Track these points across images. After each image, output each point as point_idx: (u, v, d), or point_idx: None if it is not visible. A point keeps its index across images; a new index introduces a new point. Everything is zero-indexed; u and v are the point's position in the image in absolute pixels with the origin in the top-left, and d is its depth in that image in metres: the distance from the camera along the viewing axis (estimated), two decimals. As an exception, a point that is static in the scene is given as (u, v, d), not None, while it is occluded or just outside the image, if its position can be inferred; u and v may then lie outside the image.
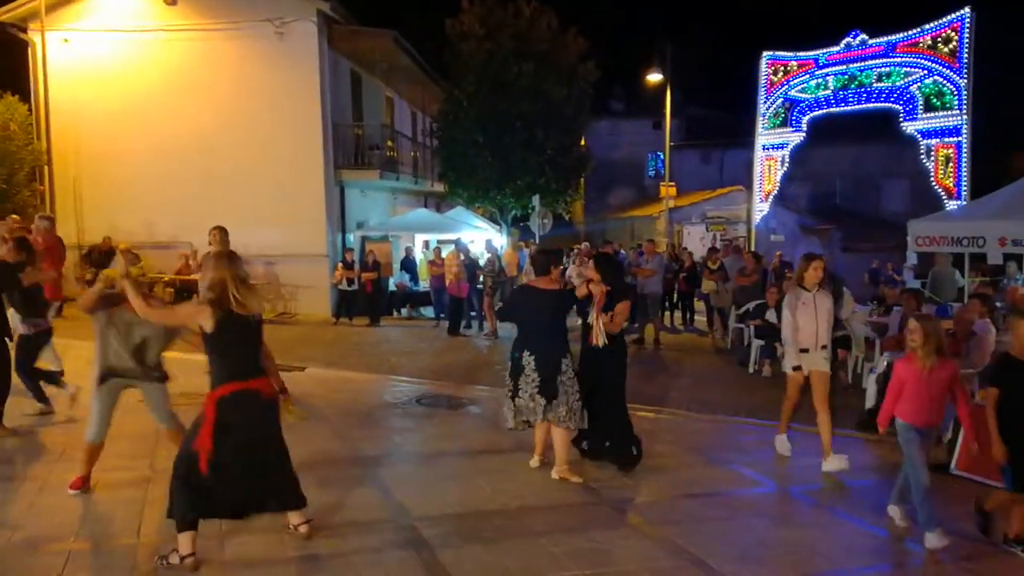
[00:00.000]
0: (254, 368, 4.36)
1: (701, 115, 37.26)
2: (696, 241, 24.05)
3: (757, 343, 10.60)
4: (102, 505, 5.23)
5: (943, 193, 19.27)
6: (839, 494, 5.89)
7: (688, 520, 5.23)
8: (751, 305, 12.72)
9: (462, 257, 15.03)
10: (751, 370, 10.66)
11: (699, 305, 15.93)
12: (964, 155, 18.82)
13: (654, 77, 24.22)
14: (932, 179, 19.54)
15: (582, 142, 20.20)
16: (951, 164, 19.10)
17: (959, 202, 18.59)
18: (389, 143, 19.85)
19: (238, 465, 4.23)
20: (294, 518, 4.65)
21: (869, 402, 7.59)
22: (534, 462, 6.14)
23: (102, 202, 16.40)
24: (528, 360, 5.83)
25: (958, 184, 18.94)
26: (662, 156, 38.62)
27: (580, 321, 6.19)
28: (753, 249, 19.61)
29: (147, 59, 16.54)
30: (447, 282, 14.91)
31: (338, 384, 9.13)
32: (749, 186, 25.27)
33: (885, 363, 7.62)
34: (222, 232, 7.78)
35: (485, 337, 14.28)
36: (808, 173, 30.76)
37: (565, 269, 14.21)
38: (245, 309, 4.24)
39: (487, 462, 6.39)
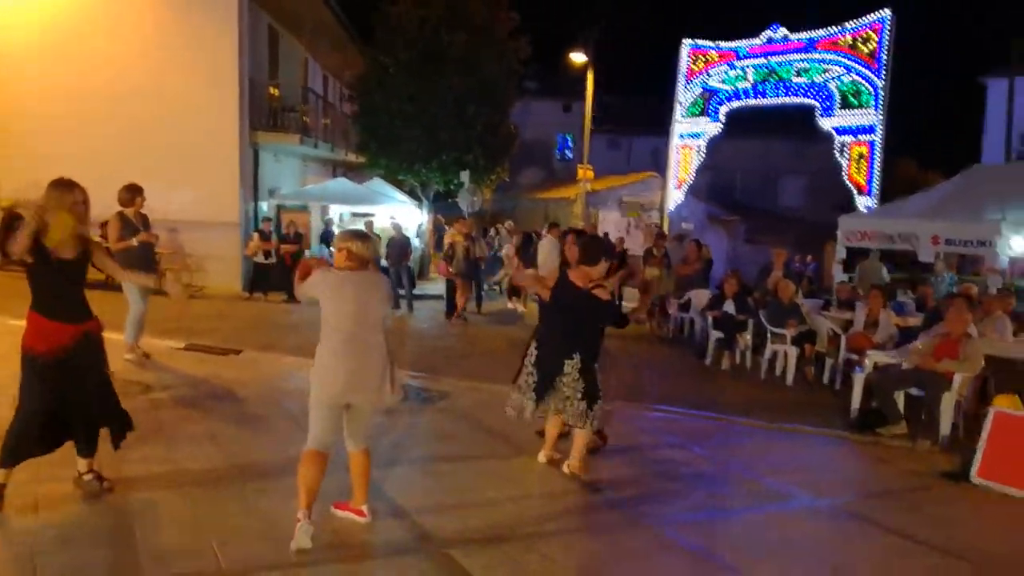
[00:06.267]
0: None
1: (610, 101, 37.37)
2: (612, 226, 23.93)
3: (716, 335, 10.38)
4: None
5: (854, 189, 19.90)
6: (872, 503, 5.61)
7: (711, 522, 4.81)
8: (691, 294, 12.59)
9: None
10: (707, 362, 10.43)
11: (630, 292, 15.72)
12: (877, 153, 19.48)
13: (578, 58, 23.79)
14: (845, 175, 20.12)
15: (512, 126, 19.64)
16: (864, 161, 19.71)
17: (870, 198, 19.26)
18: (304, 107, 18.56)
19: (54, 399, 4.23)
20: (82, 466, 4.55)
21: (856, 402, 7.41)
22: (541, 457, 5.68)
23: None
24: (531, 352, 5.52)
25: (870, 181, 19.56)
26: (570, 139, 38.70)
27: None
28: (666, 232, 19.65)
29: (46, 3, 14.64)
30: (441, 264, 13.89)
31: (284, 371, 8.18)
32: (660, 173, 25.47)
33: (871, 364, 7.46)
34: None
35: (458, 320, 13.51)
36: (710, 164, 31.45)
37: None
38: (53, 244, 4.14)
39: (483, 462, 5.78)
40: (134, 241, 7.86)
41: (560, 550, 4.35)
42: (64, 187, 4.31)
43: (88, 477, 4.62)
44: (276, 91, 17.33)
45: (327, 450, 4.14)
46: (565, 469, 5.47)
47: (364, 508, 4.52)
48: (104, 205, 14.62)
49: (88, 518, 4.36)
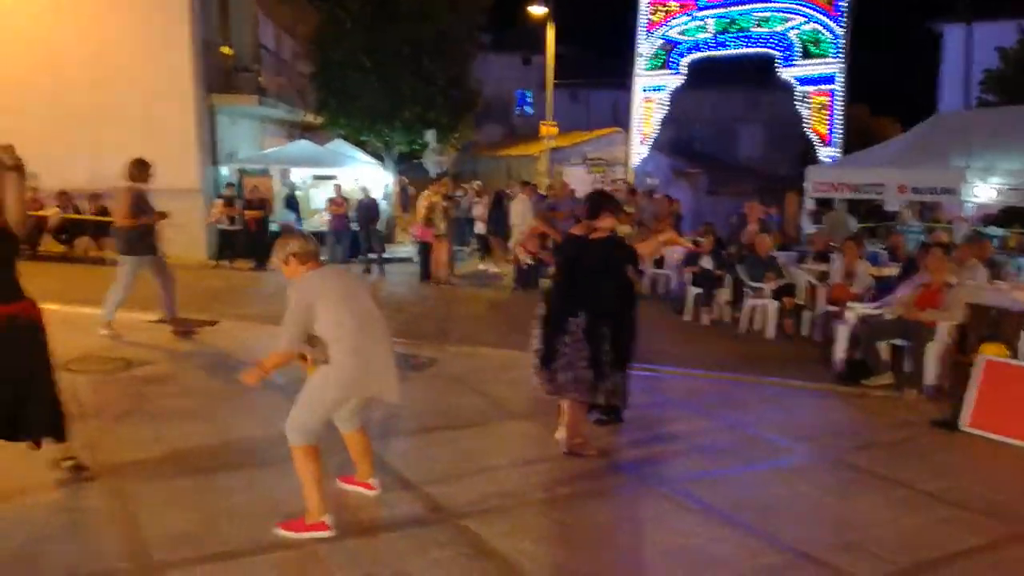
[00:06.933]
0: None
1: (568, 53, 36.86)
2: (579, 183, 23.81)
3: (694, 291, 10.42)
4: None
5: (816, 139, 20.06)
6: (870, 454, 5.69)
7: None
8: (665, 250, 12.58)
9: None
10: (686, 318, 10.49)
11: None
12: (837, 102, 19.61)
13: (537, 10, 23.37)
14: (806, 125, 20.25)
15: (475, 81, 19.23)
16: (825, 111, 19.85)
17: (832, 148, 19.45)
18: (258, 67, 17.94)
19: None
20: (57, 452, 4.40)
21: (840, 354, 7.51)
22: (559, 433, 5.37)
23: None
24: (540, 311, 5.34)
25: (831, 131, 19.74)
26: (529, 94, 38.20)
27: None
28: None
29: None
30: (417, 226, 13.44)
31: (263, 341, 7.98)
32: (622, 127, 25.35)
33: (854, 316, 7.55)
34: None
35: (444, 284, 13.16)
36: (670, 117, 31.43)
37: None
38: None
39: (481, 428, 5.75)
40: (152, 219, 7.80)
41: (573, 515, 4.34)
42: None
43: (67, 463, 4.44)
44: (229, 51, 16.68)
45: (320, 441, 4.01)
46: (556, 436, 5.31)
47: (372, 481, 4.45)
48: (61, 179, 14.08)
49: (89, 503, 4.22)
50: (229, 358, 7.27)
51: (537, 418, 5.81)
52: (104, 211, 14.00)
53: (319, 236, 15.79)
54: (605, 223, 5.20)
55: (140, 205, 7.69)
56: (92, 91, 13.96)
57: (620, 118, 30.09)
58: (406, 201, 20.23)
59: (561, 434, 5.28)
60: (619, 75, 26.85)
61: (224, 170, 16.06)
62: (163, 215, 7.97)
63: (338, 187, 15.01)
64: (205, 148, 15.12)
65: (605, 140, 28.01)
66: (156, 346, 7.61)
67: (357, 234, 14.93)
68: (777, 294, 9.57)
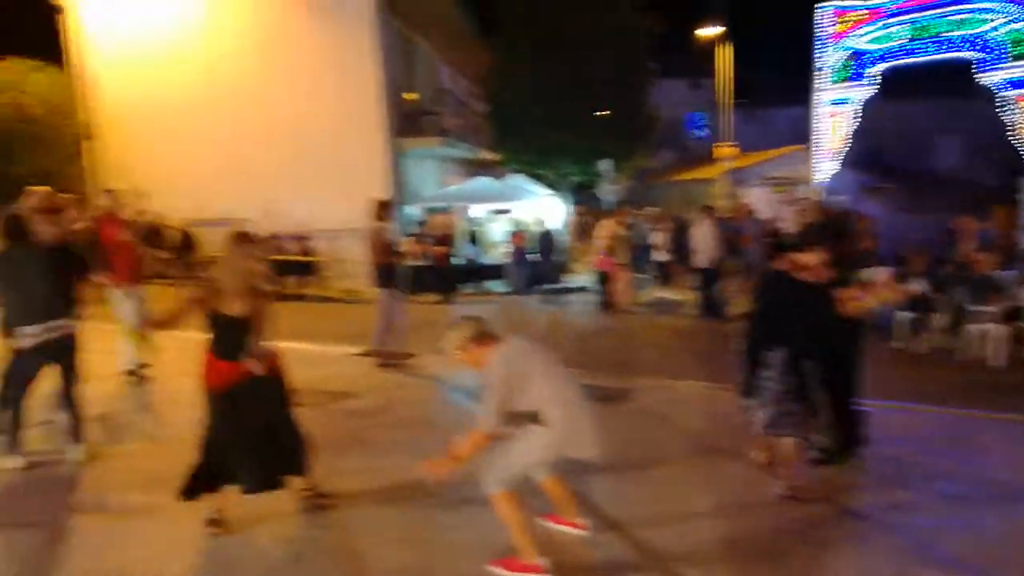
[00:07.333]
0: None
1: (740, 72, 35.86)
2: (761, 205, 22.87)
3: (906, 316, 9.57)
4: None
5: (1027, 146, 18.05)
6: None
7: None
8: (868, 273, 11.68)
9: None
10: (896, 345, 9.64)
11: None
12: (1052, 106, 17.58)
13: (710, 31, 22.89)
14: (1014, 133, 18.27)
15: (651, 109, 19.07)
16: (1036, 115, 17.85)
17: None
18: (440, 109, 18.74)
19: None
20: (299, 482, 4.61)
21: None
22: (753, 455, 5.24)
23: (151, 176, 15.38)
24: (740, 344, 5.15)
25: (1047, 137, 17.71)
26: (702, 116, 37.40)
27: None
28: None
29: (196, 21, 15.51)
30: (598, 256, 13.46)
31: (460, 375, 8.17)
32: (804, 144, 24.05)
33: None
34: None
35: (625, 313, 12.94)
36: (858, 130, 29.50)
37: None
38: None
39: (685, 466, 5.49)
40: (398, 256, 8.50)
41: (807, 571, 3.99)
42: (242, 242, 4.32)
43: (307, 493, 4.67)
44: (414, 96, 17.58)
45: (518, 487, 3.94)
46: (775, 479, 4.97)
47: (580, 521, 4.34)
48: (269, 222, 15.24)
49: (311, 533, 4.41)
50: (433, 391, 7.48)
51: (744, 457, 5.46)
52: (307, 252, 15.10)
53: (498, 268, 16.24)
54: (809, 259, 4.83)
55: (387, 243, 8.19)
56: (295, 140, 15.17)
57: (801, 135, 28.71)
58: (582, 231, 20.30)
59: (780, 475, 4.94)
60: (798, 91, 25.67)
61: (410, 209, 16.84)
62: (401, 254, 8.45)
63: (511, 221, 15.30)
64: (394, 189, 15.93)
65: (787, 159, 26.74)
66: (362, 379, 7.97)
67: (535, 265, 15.11)
68: (1005, 317, 8.57)
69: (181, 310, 4.23)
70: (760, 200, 22.99)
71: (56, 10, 15.55)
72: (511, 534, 3.87)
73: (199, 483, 4.28)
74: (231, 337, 4.25)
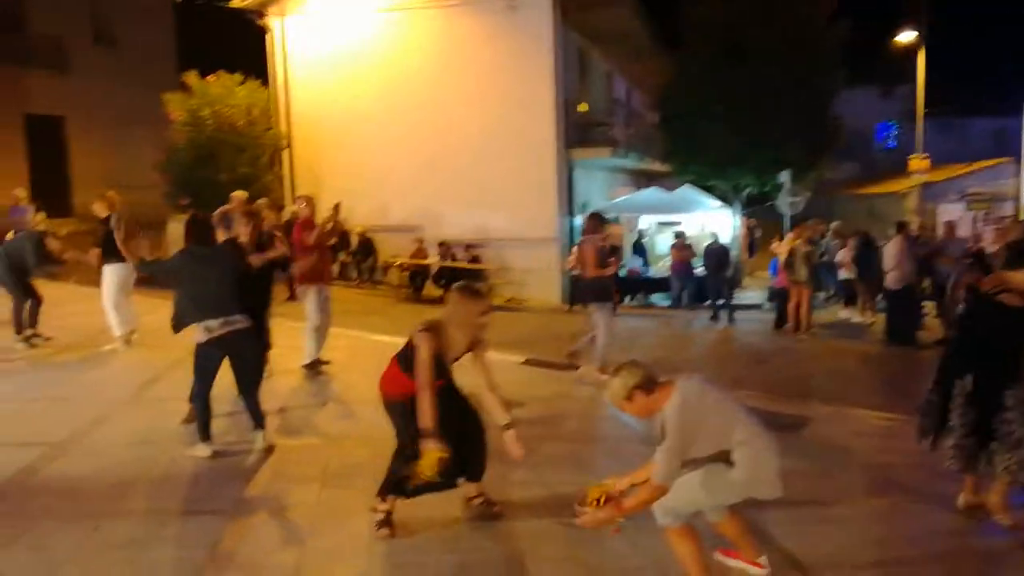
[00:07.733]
0: None
1: (936, 80, 33.19)
2: (960, 222, 20.97)
3: None
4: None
5: None
6: None
7: None
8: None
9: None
10: None
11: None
12: None
13: (905, 37, 21.32)
14: None
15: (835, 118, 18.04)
16: None
17: None
18: (611, 120, 18.66)
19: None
20: (471, 489, 4.64)
21: None
22: (960, 501, 4.74)
23: (336, 184, 16.36)
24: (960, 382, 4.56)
25: None
26: (894, 126, 34.92)
27: None
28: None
29: (382, 39, 16.33)
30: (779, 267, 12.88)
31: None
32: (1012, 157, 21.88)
33: None
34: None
35: (804, 334, 12.28)
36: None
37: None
38: None
39: (873, 504, 5.04)
40: (611, 269, 8.53)
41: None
42: (472, 298, 4.40)
43: (477, 501, 4.68)
44: (585, 107, 17.61)
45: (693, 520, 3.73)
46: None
47: (760, 560, 4.05)
48: (440, 231, 15.87)
49: (478, 543, 4.41)
50: (600, 406, 7.35)
51: (942, 499, 4.91)
52: (475, 259, 15.48)
53: (663, 281, 15.88)
54: (1018, 280, 4.29)
55: (602, 257, 8.25)
56: (469, 152, 15.62)
57: (1004, 147, 26.10)
58: (753, 244, 19.48)
59: (962, 500, 4.63)
60: (1004, 99, 23.43)
61: (578, 219, 16.84)
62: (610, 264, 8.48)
63: (681, 233, 14.89)
64: (563, 199, 16.01)
65: (989, 172, 24.40)
66: (524, 388, 7.96)
67: (703, 280, 14.64)
68: None
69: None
70: (956, 216, 21.09)
71: (264, 30, 16.92)
72: (685, 567, 3.67)
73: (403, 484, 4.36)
74: (439, 370, 4.32)
